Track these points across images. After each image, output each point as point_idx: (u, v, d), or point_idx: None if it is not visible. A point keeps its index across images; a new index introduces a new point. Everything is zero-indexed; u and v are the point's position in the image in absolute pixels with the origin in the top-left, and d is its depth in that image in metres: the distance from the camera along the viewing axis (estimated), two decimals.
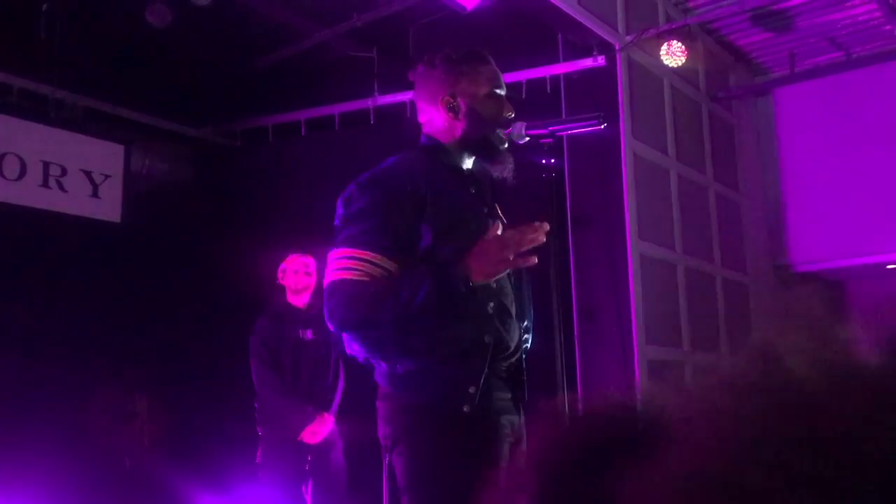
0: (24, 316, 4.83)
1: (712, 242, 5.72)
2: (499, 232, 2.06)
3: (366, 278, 2.05)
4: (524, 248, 2.02)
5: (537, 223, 2.04)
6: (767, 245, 6.26)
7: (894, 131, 5.77)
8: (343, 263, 2.08)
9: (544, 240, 2.05)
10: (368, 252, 2.06)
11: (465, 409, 2.06)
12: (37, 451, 4.60)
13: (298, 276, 4.48)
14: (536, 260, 2.04)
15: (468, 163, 2.26)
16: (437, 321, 2.05)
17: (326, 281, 2.11)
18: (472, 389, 2.07)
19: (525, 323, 2.24)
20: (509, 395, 2.16)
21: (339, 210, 2.16)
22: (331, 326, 2.11)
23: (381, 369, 2.16)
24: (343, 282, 2.06)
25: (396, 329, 2.04)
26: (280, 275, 4.53)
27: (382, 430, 2.15)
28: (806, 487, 0.44)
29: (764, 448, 0.45)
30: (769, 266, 6.25)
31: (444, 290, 2.00)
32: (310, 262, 4.50)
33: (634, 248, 4.88)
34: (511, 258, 2.02)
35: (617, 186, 4.91)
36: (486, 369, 2.10)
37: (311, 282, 4.50)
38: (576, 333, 4.78)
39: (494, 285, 2.13)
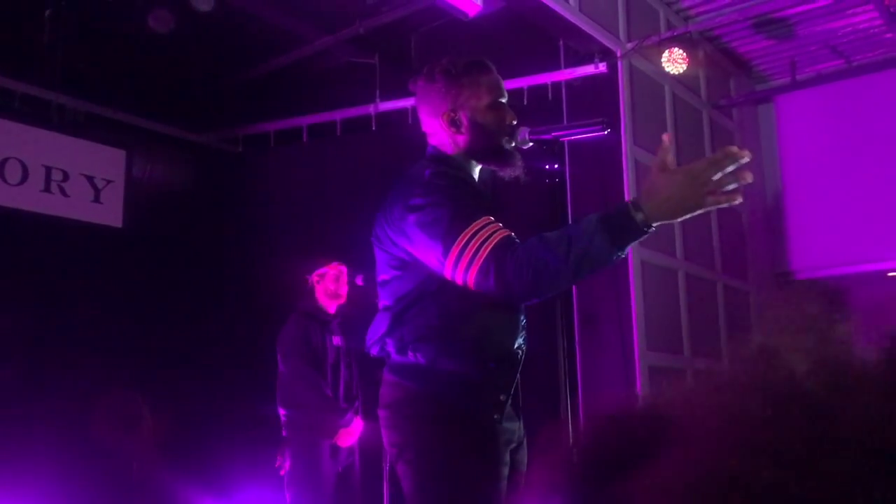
0: (27, 321, 4.84)
1: (713, 249, 5.72)
2: (669, 154, 1.81)
3: (509, 232, 1.92)
4: (719, 180, 1.73)
5: (731, 147, 1.75)
6: (768, 252, 6.26)
7: (895, 139, 5.78)
8: (479, 239, 1.90)
9: (750, 178, 1.74)
10: (482, 219, 1.94)
11: (496, 416, 2.05)
12: (43, 457, 4.61)
13: (340, 283, 4.50)
14: (741, 199, 1.77)
15: (476, 171, 2.23)
16: (488, 323, 2.03)
17: (477, 263, 1.88)
18: (502, 397, 2.07)
19: (524, 321, 2.20)
20: (510, 401, 2.15)
21: (414, 227, 1.99)
22: (503, 289, 1.87)
23: (415, 366, 2.06)
24: (500, 243, 1.88)
25: (574, 272, 1.83)
26: (316, 278, 4.52)
27: (390, 438, 2.10)
28: (816, 481, 0.44)
29: (773, 445, 0.46)
30: (770, 273, 6.25)
31: (620, 233, 1.81)
32: (345, 271, 4.52)
33: (635, 254, 4.88)
34: (704, 193, 1.76)
35: (618, 193, 4.91)
36: (516, 379, 2.10)
37: (346, 292, 4.52)
38: (577, 339, 4.77)
39: None
